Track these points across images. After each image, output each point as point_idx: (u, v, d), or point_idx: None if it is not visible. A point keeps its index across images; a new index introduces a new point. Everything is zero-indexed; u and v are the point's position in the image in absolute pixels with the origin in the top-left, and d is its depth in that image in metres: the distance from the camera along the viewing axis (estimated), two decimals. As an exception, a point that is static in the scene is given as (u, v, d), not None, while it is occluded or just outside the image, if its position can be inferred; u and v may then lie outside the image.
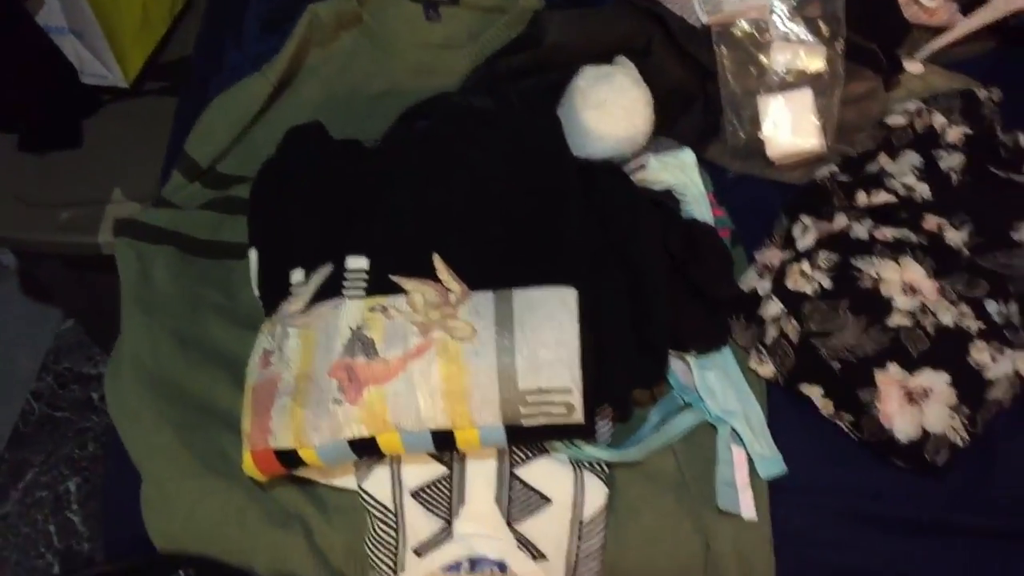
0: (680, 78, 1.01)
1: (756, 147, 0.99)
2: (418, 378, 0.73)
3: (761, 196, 0.99)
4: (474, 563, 0.79)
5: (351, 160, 0.87)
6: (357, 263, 0.79)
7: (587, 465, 0.80)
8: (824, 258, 0.87)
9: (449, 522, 0.80)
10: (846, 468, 0.83)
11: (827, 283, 0.86)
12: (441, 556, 0.79)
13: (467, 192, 0.82)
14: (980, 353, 0.81)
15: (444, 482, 0.80)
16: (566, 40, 1.02)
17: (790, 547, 0.80)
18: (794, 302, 0.85)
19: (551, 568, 0.79)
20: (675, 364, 0.86)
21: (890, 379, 0.81)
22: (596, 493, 0.79)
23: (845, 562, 0.81)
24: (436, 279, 0.77)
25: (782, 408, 0.86)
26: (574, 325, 0.74)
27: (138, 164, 1.24)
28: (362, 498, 0.80)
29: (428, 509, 0.80)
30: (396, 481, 0.80)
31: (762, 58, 0.99)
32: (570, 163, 0.85)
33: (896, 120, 0.98)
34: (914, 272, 0.85)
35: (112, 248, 0.93)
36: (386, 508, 0.79)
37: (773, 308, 0.86)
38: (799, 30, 1.00)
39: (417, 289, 0.76)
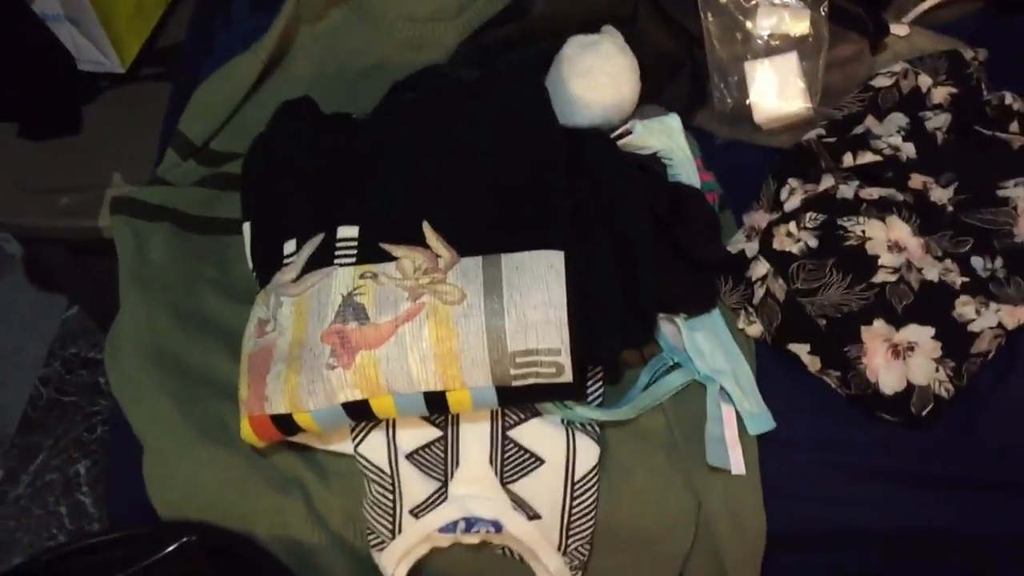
0: (666, 45, 1.01)
1: (743, 112, 1.00)
2: (409, 341, 0.74)
3: (749, 161, 1.00)
4: (470, 524, 0.80)
5: (341, 133, 0.88)
6: (348, 232, 0.80)
7: (579, 426, 0.81)
8: (810, 218, 0.88)
9: (444, 484, 0.81)
10: (834, 423, 0.84)
11: (813, 242, 0.87)
12: (437, 517, 0.81)
13: (455, 161, 0.83)
14: (965, 307, 0.82)
15: (438, 445, 0.81)
16: (553, 11, 1.03)
17: (781, 501, 0.82)
18: (781, 262, 0.86)
19: (546, 527, 0.81)
20: (664, 326, 0.87)
21: (875, 334, 0.82)
22: (588, 453, 0.81)
23: (835, 515, 0.82)
24: (425, 246, 0.78)
25: (771, 367, 0.87)
26: (562, 287, 0.75)
27: (136, 149, 1.25)
28: (359, 462, 0.81)
29: (423, 471, 0.81)
30: (391, 445, 0.81)
31: (747, 23, 1.00)
32: (557, 131, 0.85)
33: (882, 82, 0.99)
34: (900, 230, 0.86)
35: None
36: (382, 471, 0.81)
37: (760, 268, 0.88)
38: (783, -6, 1.01)
39: (407, 255, 0.78)
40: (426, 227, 0.79)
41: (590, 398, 0.84)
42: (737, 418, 0.83)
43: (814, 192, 0.91)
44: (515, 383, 0.74)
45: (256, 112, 1.00)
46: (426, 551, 0.83)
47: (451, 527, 0.81)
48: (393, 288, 0.76)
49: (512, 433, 0.81)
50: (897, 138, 0.93)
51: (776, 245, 0.88)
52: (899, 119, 0.96)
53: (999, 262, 0.86)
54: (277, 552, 0.83)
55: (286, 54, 1.06)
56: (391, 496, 0.81)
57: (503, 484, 0.81)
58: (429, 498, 0.81)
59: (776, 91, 0.99)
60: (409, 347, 0.74)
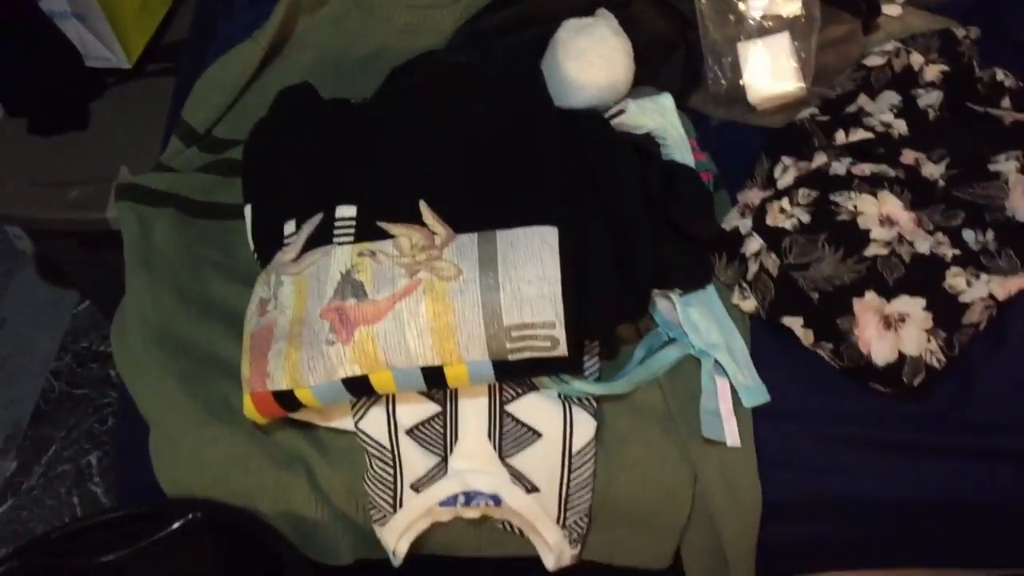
0: (660, 27, 1.03)
1: (738, 93, 1.02)
2: (407, 317, 0.75)
3: (744, 142, 1.01)
4: (469, 497, 0.82)
5: (340, 117, 0.90)
6: (346, 212, 0.81)
7: (576, 400, 0.83)
8: (803, 195, 0.89)
9: (444, 458, 0.83)
10: (828, 395, 0.85)
11: (806, 218, 0.88)
12: (437, 491, 0.82)
13: (452, 141, 0.85)
14: (955, 278, 0.83)
15: (437, 420, 0.83)
16: (548, -6, 1.04)
17: (776, 472, 0.83)
18: (774, 237, 0.88)
19: (544, 500, 0.82)
20: (660, 302, 0.88)
21: (867, 306, 0.83)
22: (585, 426, 0.82)
23: (829, 485, 0.83)
24: (422, 224, 0.80)
25: (765, 341, 0.88)
26: (556, 262, 0.76)
27: (143, 142, 1.27)
28: (359, 438, 0.83)
29: (423, 446, 0.83)
30: (391, 420, 0.83)
31: (740, 5, 1.01)
32: (551, 112, 0.87)
33: (874, 61, 1.00)
34: (891, 205, 0.87)
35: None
36: (382, 447, 0.82)
37: (754, 244, 0.89)
38: (775, -25, 1.02)
39: (404, 233, 0.79)
40: (423, 206, 0.80)
41: (587, 373, 0.85)
42: (732, 391, 0.84)
43: (807, 169, 0.92)
44: (511, 357, 0.76)
45: (258, 99, 1.02)
46: (427, 526, 0.85)
47: (451, 501, 0.82)
48: (390, 265, 0.78)
49: (510, 408, 0.83)
50: (889, 115, 0.95)
51: (769, 221, 0.89)
52: (892, 97, 0.97)
53: (990, 235, 0.87)
54: (281, 527, 0.84)
55: (286, 42, 1.08)
56: (392, 471, 0.83)
57: (502, 458, 0.82)
58: (429, 472, 0.82)
59: (769, 71, 1.00)
60: (406, 322, 0.75)
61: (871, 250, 0.84)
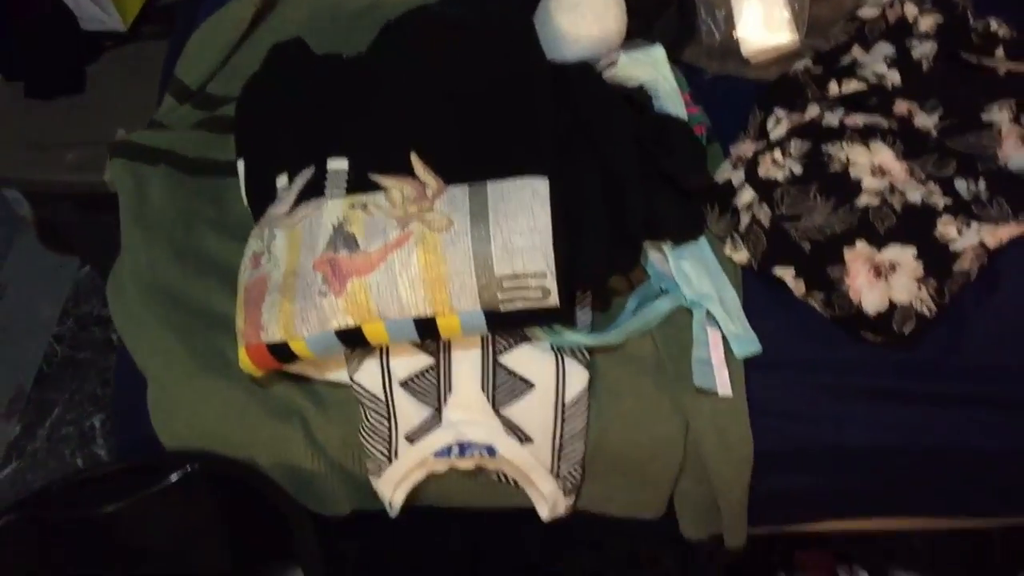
0: (654, -20, 1.02)
1: (731, 46, 1.01)
2: (399, 268, 0.76)
3: (738, 95, 1.01)
4: (464, 448, 0.83)
5: (331, 72, 0.90)
6: (337, 164, 0.82)
7: (568, 351, 0.83)
8: (796, 146, 0.89)
9: (438, 410, 0.83)
10: (819, 344, 0.86)
11: (798, 169, 0.88)
12: (432, 442, 0.83)
13: (443, 94, 0.85)
14: (946, 227, 0.84)
15: (431, 371, 0.84)
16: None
17: (767, 420, 0.84)
18: (766, 189, 0.88)
19: (538, 450, 0.83)
20: (652, 254, 0.89)
21: (858, 256, 0.83)
22: (577, 377, 0.83)
23: (820, 433, 0.84)
24: (413, 176, 0.80)
25: (757, 292, 0.89)
26: (546, 213, 0.76)
27: (139, 105, 1.27)
28: (354, 390, 0.84)
29: (417, 398, 0.83)
30: (385, 372, 0.83)
31: (733, -43, 1.01)
32: (542, 63, 0.87)
33: (868, 12, 1.00)
34: (884, 155, 0.87)
35: (117, 184, 0.97)
36: (377, 398, 0.83)
37: (746, 195, 0.89)
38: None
39: (395, 186, 0.79)
40: (414, 158, 0.80)
41: (579, 324, 0.85)
42: (724, 342, 0.85)
43: (800, 121, 0.92)
44: (503, 307, 0.76)
45: (251, 56, 1.02)
46: (422, 477, 0.86)
47: (445, 451, 0.83)
48: (382, 217, 0.78)
49: (503, 359, 0.83)
50: (883, 66, 0.94)
51: (762, 173, 0.89)
52: (885, 48, 0.97)
53: (982, 184, 0.87)
54: (278, 479, 0.86)
55: (279, -1, 1.08)
56: (387, 422, 0.83)
57: (495, 409, 0.83)
58: (424, 423, 0.83)
59: (763, 24, 1.00)
60: (399, 273, 0.76)
61: (863, 200, 0.85)
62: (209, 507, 0.87)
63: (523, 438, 0.83)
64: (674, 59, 0.98)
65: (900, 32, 0.98)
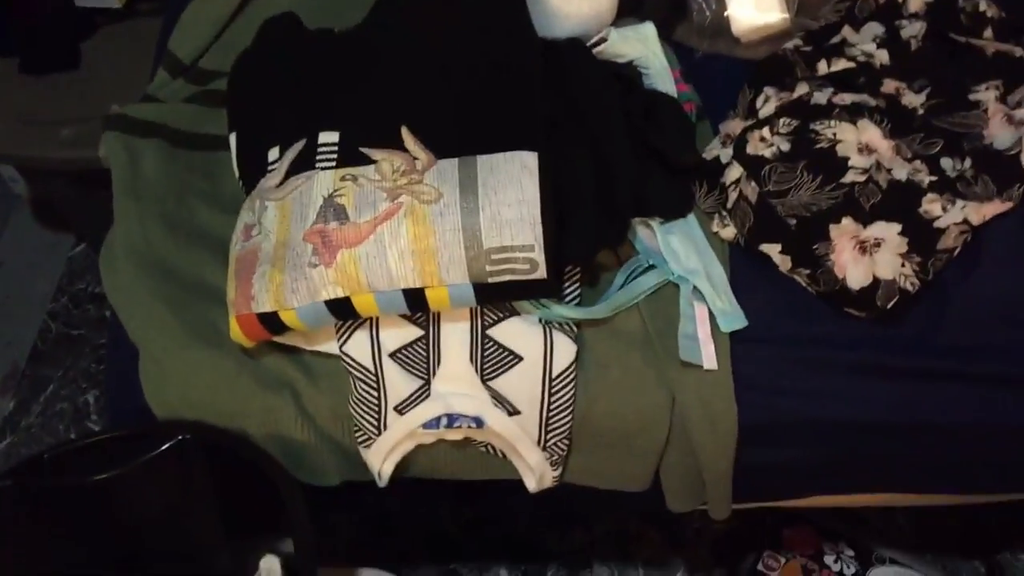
0: (645, -42, 1.03)
1: (722, 25, 1.02)
2: (388, 239, 0.76)
3: (729, 75, 1.02)
4: (452, 419, 0.83)
5: (323, 46, 0.91)
6: (328, 137, 0.82)
7: (556, 324, 0.84)
8: (784, 123, 0.90)
9: (427, 381, 0.84)
10: (805, 320, 0.87)
11: (785, 146, 0.88)
12: (421, 413, 0.84)
13: (434, 67, 0.85)
14: (931, 204, 0.84)
15: (420, 343, 0.84)
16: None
17: (752, 395, 0.85)
18: (754, 166, 0.88)
19: (525, 422, 0.84)
20: (640, 229, 0.90)
21: (843, 232, 0.84)
22: (565, 350, 0.83)
23: (804, 406, 0.85)
24: (404, 149, 0.80)
25: (743, 268, 0.89)
26: (535, 186, 0.77)
27: (133, 81, 1.26)
28: (344, 361, 0.84)
29: (406, 369, 0.84)
30: (375, 344, 0.84)
31: (724, -64, 1.01)
32: (533, 39, 0.87)
33: (859, -8, 1.00)
34: (871, 133, 0.88)
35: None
36: (367, 369, 0.84)
37: (734, 172, 0.90)
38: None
39: (385, 158, 0.80)
40: (404, 131, 0.81)
41: (568, 298, 0.86)
42: (710, 317, 0.86)
43: (788, 99, 0.93)
44: (491, 280, 0.77)
45: (244, 30, 1.02)
46: (411, 448, 0.87)
47: (434, 423, 0.84)
48: (372, 189, 0.79)
49: (491, 332, 0.84)
50: (871, 46, 0.95)
51: (750, 150, 0.90)
52: (875, 28, 0.97)
53: (968, 162, 0.87)
54: (269, 449, 0.87)
55: (273, -27, 1.08)
56: (376, 393, 0.84)
57: (483, 381, 0.84)
58: (412, 395, 0.84)
59: (754, 3, 1.00)
60: (388, 245, 0.76)
61: (849, 177, 0.85)
62: (200, 477, 0.88)
63: (511, 410, 0.84)
64: (665, 37, 0.99)
65: (890, 12, 0.99)
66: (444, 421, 0.84)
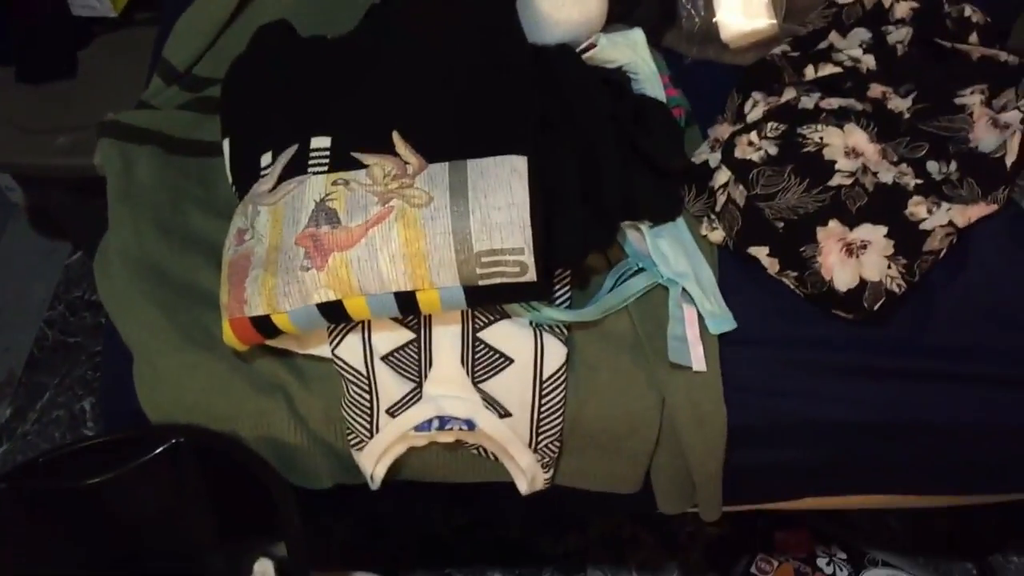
0: (634, -35, 1.04)
1: (711, 31, 1.03)
2: (379, 243, 0.77)
3: (718, 80, 1.03)
4: (444, 421, 0.84)
5: (316, 52, 0.92)
6: (321, 142, 0.83)
7: (547, 327, 0.85)
8: (771, 128, 0.91)
9: (419, 384, 0.85)
10: (792, 322, 0.88)
11: (773, 150, 0.89)
12: (412, 416, 0.84)
13: (425, 73, 0.86)
14: (917, 207, 0.85)
15: (412, 346, 0.85)
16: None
17: (741, 397, 0.85)
18: (742, 169, 0.89)
19: (517, 424, 0.85)
20: (630, 233, 0.90)
21: (830, 234, 0.85)
22: (555, 352, 0.84)
23: (793, 408, 0.86)
24: (395, 154, 0.81)
25: (732, 270, 0.90)
26: (525, 190, 0.78)
27: (129, 90, 1.28)
28: (336, 364, 0.85)
29: (398, 372, 0.85)
30: (367, 347, 0.85)
31: (712, -57, 1.02)
32: (523, 43, 0.88)
33: (846, -2, 1.01)
34: (857, 137, 0.89)
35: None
36: (359, 372, 0.85)
37: (722, 176, 0.90)
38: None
39: (377, 163, 0.81)
40: (395, 136, 0.82)
41: (558, 301, 0.87)
42: (699, 319, 0.87)
43: (776, 103, 0.94)
44: (481, 282, 0.78)
45: (237, 38, 1.03)
46: (403, 450, 0.87)
47: (426, 425, 0.84)
48: (364, 193, 0.79)
49: (482, 334, 0.85)
50: (858, 51, 0.96)
51: (738, 153, 0.91)
52: (862, 34, 0.98)
53: (953, 165, 0.88)
54: (262, 452, 0.87)
55: (266, -20, 1.09)
56: (368, 396, 0.85)
57: (474, 383, 0.85)
58: (404, 398, 0.85)
59: (742, 9, 1.02)
60: (379, 248, 0.77)
61: (835, 180, 0.86)
62: (194, 481, 0.89)
63: (502, 412, 0.84)
64: (654, 43, 1.00)
65: (877, 18, 1.00)
66: (436, 423, 0.84)
